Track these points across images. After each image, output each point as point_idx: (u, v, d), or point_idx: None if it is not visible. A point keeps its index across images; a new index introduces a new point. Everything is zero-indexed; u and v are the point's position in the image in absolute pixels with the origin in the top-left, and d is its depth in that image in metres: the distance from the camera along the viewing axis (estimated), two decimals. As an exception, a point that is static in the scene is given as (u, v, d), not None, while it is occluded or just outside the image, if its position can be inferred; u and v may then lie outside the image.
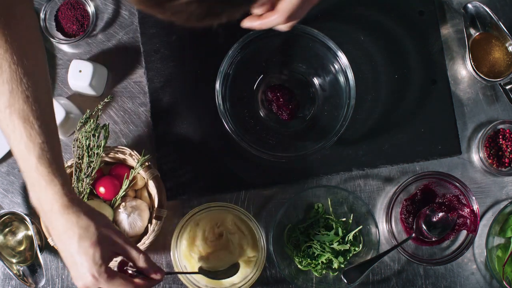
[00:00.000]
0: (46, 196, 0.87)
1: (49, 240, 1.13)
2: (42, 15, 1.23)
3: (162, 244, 1.22)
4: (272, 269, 1.21)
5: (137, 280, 0.92)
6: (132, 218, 1.16)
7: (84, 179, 1.14)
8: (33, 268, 1.18)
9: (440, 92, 1.24)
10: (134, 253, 0.91)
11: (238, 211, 1.17)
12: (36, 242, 1.16)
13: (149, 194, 1.20)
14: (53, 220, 0.88)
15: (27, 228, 1.21)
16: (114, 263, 1.02)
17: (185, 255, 1.18)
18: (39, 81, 0.90)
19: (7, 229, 1.22)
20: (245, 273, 1.17)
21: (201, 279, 1.17)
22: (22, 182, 1.24)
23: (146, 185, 1.20)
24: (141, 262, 0.92)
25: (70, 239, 0.86)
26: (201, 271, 1.14)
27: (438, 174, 1.19)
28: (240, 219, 1.19)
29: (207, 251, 1.18)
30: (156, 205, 1.15)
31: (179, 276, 1.17)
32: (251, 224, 1.17)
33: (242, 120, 1.20)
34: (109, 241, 0.89)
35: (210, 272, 1.15)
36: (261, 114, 1.24)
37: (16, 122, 0.86)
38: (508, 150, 1.22)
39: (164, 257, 1.22)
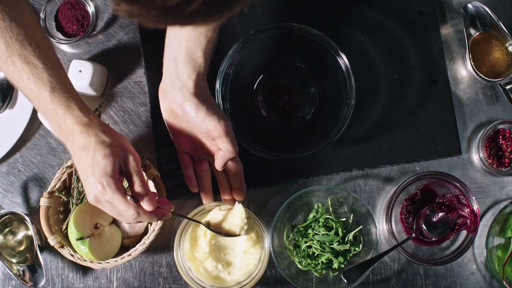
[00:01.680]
0: (66, 122, 0.95)
1: (49, 240, 1.13)
2: (42, 15, 1.23)
3: (162, 244, 1.22)
4: (272, 269, 1.21)
5: (137, 205, 0.96)
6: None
7: (84, 179, 1.14)
8: (33, 268, 1.18)
9: (440, 92, 1.24)
10: (135, 177, 0.96)
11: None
12: (36, 242, 1.16)
13: (149, 194, 1.21)
14: (74, 141, 0.95)
15: (27, 228, 1.21)
16: None
17: (189, 256, 1.18)
18: (28, 24, 0.95)
19: (7, 229, 1.22)
20: (250, 271, 1.17)
21: (205, 279, 1.17)
22: (22, 182, 1.24)
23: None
24: (137, 186, 0.96)
25: (87, 154, 0.93)
26: (206, 226, 1.14)
27: (438, 174, 1.19)
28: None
29: (210, 251, 1.18)
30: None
31: (183, 275, 1.17)
32: (252, 221, 1.17)
33: (242, 120, 1.20)
34: (121, 157, 0.95)
35: (215, 229, 1.15)
36: (261, 114, 1.24)
37: (20, 67, 0.93)
38: (508, 150, 1.22)
39: (164, 257, 1.22)
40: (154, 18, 0.56)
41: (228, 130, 1.05)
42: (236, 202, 1.15)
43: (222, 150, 1.07)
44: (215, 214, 1.16)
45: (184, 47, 1.02)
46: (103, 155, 0.92)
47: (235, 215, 1.14)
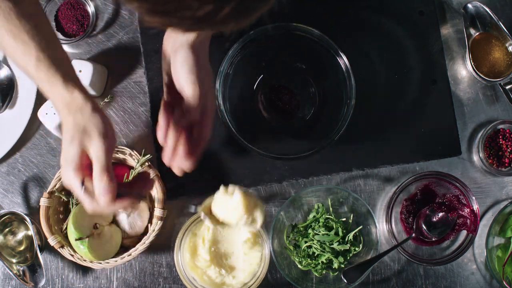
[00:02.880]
0: (52, 99, 0.93)
1: (49, 240, 1.13)
2: (42, 15, 1.23)
3: (162, 244, 1.22)
4: (272, 269, 1.21)
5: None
6: (132, 218, 1.16)
7: (84, 179, 1.14)
8: (33, 268, 1.18)
9: (440, 92, 1.24)
10: (94, 165, 0.92)
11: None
12: (36, 242, 1.16)
13: (149, 194, 1.21)
14: (64, 122, 0.93)
15: (27, 228, 1.21)
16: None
17: (191, 266, 1.18)
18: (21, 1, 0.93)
19: (7, 229, 1.22)
20: (254, 271, 1.17)
21: (211, 286, 1.18)
22: (22, 182, 1.24)
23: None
24: (94, 174, 0.92)
25: (70, 140, 0.91)
26: (207, 215, 1.10)
27: (438, 174, 1.19)
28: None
29: (211, 258, 1.18)
30: (156, 205, 1.15)
31: (188, 286, 1.17)
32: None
33: (242, 120, 1.20)
34: (85, 143, 0.91)
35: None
36: (261, 114, 1.24)
37: (7, 42, 0.91)
38: (508, 150, 1.22)
39: (164, 257, 1.22)
40: (187, 27, 0.58)
41: (201, 97, 1.00)
42: (235, 191, 1.07)
43: (188, 113, 1.02)
44: (217, 200, 1.11)
45: None
46: (69, 140, 0.91)
47: (234, 205, 1.08)
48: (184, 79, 0.99)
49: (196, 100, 0.99)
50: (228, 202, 1.07)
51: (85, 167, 0.92)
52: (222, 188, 1.08)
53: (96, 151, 0.90)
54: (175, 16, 0.56)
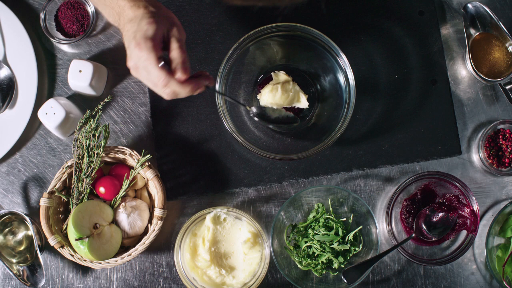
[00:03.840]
0: (118, 1, 0.99)
1: (49, 240, 1.13)
2: (42, 15, 1.23)
3: (162, 244, 1.22)
4: (272, 269, 1.21)
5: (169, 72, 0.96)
6: (132, 218, 1.16)
7: (84, 179, 1.14)
8: (33, 268, 1.18)
9: (440, 92, 1.24)
10: (174, 43, 0.97)
11: (235, 212, 1.17)
12: (36, 242, 1.16)
13: (149, 194, 1.21)
14: (124, 16, 0.98)
15: (27, 228, 1.21)
16: None
17: (191, 267, 1.18)
18: None
19: (7, 229, 1.22)
20: (254, 271, 1.17)
21: (211, 286, 1.18)
22: (22, 182, 1.24)
23: (146, 185, 1.20)
24: (174, 52, 0.97)
25: (133, 23, 0.96)
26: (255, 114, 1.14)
27: (438, 174, 1.19)
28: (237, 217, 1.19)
29: (211, 258, 1.18)
30: (156, 205, 1.15)
31: (188, 286, 1.17)
32: (248, 220, 1.17)
33: (242, 120, 1.20)
34: (165, 26, 0.97)
35: None
36: (261, 114, 1.23)
37: None
38: (508, 150, 1.22)
39: (164, 257, 1.22)
40: None
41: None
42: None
43: None
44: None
45: None
46: (147, 22, 0.94)
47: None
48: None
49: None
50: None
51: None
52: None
53: (177, 32, 0.97)
54: None
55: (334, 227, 1.18)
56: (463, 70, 1.26)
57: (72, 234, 1.12)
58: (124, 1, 0.98)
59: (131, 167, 1.18)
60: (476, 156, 1.23)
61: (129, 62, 0.95)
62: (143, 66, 0.94)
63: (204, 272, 1.18)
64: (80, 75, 1.18)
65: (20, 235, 1.22)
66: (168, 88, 0.95)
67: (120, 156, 1.17)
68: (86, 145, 1.13)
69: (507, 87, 1.25)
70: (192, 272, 1.18)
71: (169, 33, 0.97)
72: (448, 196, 1.20)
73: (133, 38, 0.94)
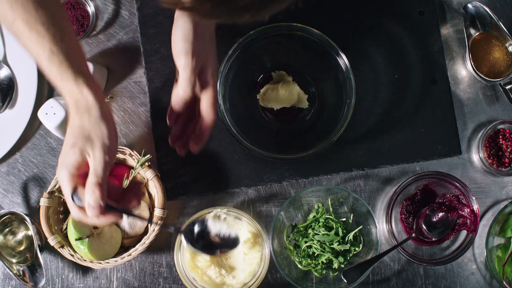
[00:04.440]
0: (62, 93, 0.90)
1: (49, 240, 1.13)
2: (42, 15, 1.23)
3: (162, 244, 1.22)
4: (272, 269, 1.21)
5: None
6: (132, 218, 1.16)
7: (84, 179, 1.14)
8: (33, 268, 1.18)
9: (440, 92, 1.24)
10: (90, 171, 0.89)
11: (235, 212, 1.17)
12: (36, 242, 1.16)
13: (149, 194, 1.21)
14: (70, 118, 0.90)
15: (27, 228, 1.21)
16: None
17: (191, 267, 1.18)
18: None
19: (7, 229, 1.22)
20: (254, 271, 1.17)
21: (211, 287, 1.18)
22: (22, 182, 1.24)
23: (146, 185, 1.20)
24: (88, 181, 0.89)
25: (89, 116, 0.88)
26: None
27: (438, 174, 1.19)
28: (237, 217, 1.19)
29: (211, 258, 1.18)
30: (156, 205, 1.15)
31: (188, 286, 1.17)
32: (248, 220, 1.17)
33: (242, 120, 1.19)
34: (85, 150, 0.89)
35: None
36: (262, 114, 1.24)
37: (22, 31, 0.88)
38: (508, 150, 1.22)
39: (164, 257, 1.22)
40: (207, 11, 0.55)
41: (186, 70, 0.94)
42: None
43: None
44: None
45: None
46: (71, 143, 0.88)
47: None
48: (178, 48, 0.94)
49: (188, 73, 0.93)
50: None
51: (81, 175, 0.89)
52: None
53: (95, 163, 0.88)
54: None
55: (334, 227, 1.19)
56: (463, 70, 1.26)
57: (72, 234, 1.12)
58: (67, 97, 0.90)
59: (131, 167, 1.18)
60: (476, 156, 1.23)
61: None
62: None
63: (204, 272, 1.18)
64: (80, 75, 1.18)
65: (20, 235, 1.22)
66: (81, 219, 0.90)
67: (120, 156, 1.17)
68: (86, 145, 1.13)
69: (507, 87, 1.25)
70: (192, 272, 1.18)
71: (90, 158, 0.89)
72: (448, 196, 1.20)
73: (61, 159, 0.89)
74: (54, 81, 0.90)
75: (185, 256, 1.18)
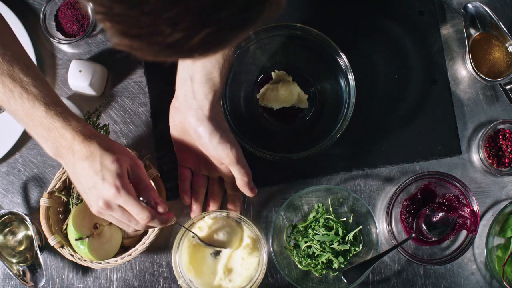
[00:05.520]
0: (65, 134, 0.93)
1: (49, 240, 1.13)
2: (42, 15, 1.23)
3: (162, 244, 1.22)
4: (272, 269, 1.21)
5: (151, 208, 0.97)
6: (132, 218, 1.16)
7: (84, 179, 1.14)
8: (33, 268, 1.18)
9: (440, 92, 1.24)
10: (143, 182, 0.98)
11: (235, 215, 1.17)
12: (36, 242, 1.16)
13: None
14: (75, 152, 0.93)
15: (27, 228, 1.21)
16: None
17: (188, 269, 1.17)
18: (10, 43, 0.95)
19: (7, 229, 1.22)
20: (250, 275, 1.17)
21: (204, 287, 1.18)
22: (22, 182, 1.24)
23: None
24: (146, 191, 0.97)
25: (93, 161, 0.92)
26: (198, 238, 1.15)
27: (438, 174, 1.19)
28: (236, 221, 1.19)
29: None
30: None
31: (184, 287, 1.17)
32: (248, 225, 1.17)
33: (242, 120, 1.20)
34: (128, 163, 0.96)
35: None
36: (262, 114, 1.24)
37: (11, 86, 0.92)
38: (508, 150, 1.22)
39: (164, 257, 1.22)
40: (154, 53, 0.57)
41: (239, 158, 1.07)
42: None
43: (237, 179, 1.11)
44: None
45: (200, 66, 1.01)
46: (111, 160, 0.92)
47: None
48: (219, 149, 1.05)
49: (239, 161, 1.07)
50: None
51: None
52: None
53: (141, 169, 0.99)
54: (146, 41, 0.55)
55: (334, 227, 1.18)
56: (463, 70, 1.26)
57: (72, 234, 1.12)
58: (73, 134, 0.93)
59: (131, 167, 1.18)
60: (476, 156, 1.23)
61: (97, 202, 0.93)
62: (118, 207, 0.94)
63: (201, 273, 1.18)
64: (80, 75, 1.18)
65: (20, 235, 1.22)
66: (149, 223, 0.96)
67: (120, 156, 1.17)
68: (86, 145, 1.13)
69: (507, 87, 1.25)
70: (189, 274, 1.17)
71: (134, 170, 0.97)
72: (448, 196, 1.20)
73: (100, 179, 0.92)
74: (52, 126, 0.94)
75: (182, 258, 1.17)
